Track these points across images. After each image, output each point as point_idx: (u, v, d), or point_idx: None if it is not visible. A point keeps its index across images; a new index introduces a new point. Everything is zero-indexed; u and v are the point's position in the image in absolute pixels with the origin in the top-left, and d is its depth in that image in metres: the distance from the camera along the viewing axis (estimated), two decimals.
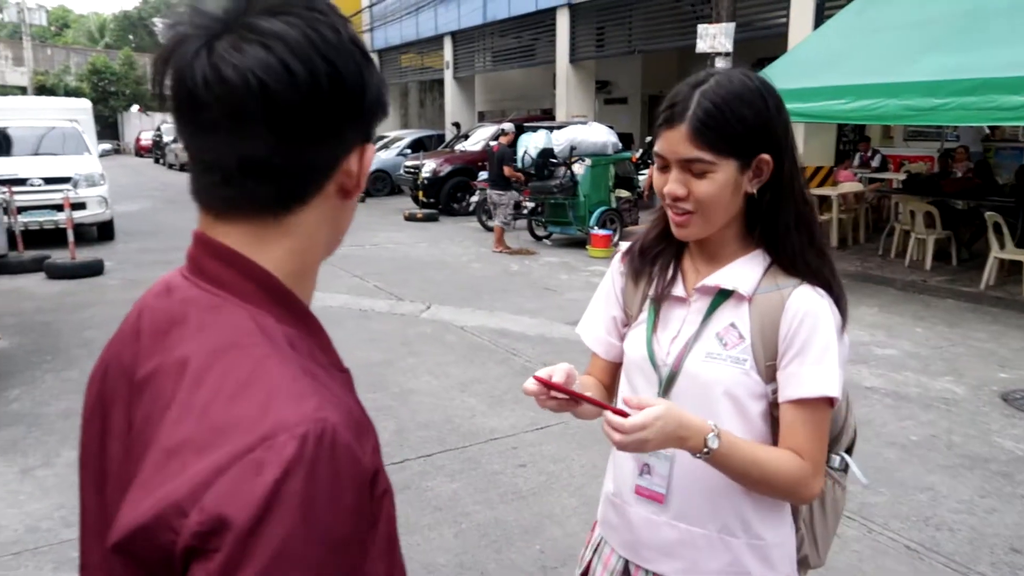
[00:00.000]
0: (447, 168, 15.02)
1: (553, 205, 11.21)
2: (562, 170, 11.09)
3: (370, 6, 23.57)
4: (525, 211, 11.56)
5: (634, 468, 1.35)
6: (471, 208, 13.82)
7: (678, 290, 1.33)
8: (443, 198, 14.93)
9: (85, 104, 14.09)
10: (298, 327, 0.75)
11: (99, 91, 41.48)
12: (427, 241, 11.84)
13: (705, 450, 1.15)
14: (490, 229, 12.67)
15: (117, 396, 0.76)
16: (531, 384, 1.22)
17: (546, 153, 11.23)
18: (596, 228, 10.56)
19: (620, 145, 11.97)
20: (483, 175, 13.68)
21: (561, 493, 3.71)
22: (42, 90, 37.83)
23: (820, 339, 1.19)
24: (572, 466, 3.98)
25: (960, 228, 9.08)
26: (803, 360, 1.20)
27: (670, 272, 1.35)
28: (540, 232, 11.78)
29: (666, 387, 1.30)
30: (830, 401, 1.20)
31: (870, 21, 8.36)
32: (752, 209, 1.26)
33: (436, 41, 20.98)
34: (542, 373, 1.23)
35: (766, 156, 1.21)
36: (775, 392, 1.24)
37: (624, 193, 11.76)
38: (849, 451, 1.41)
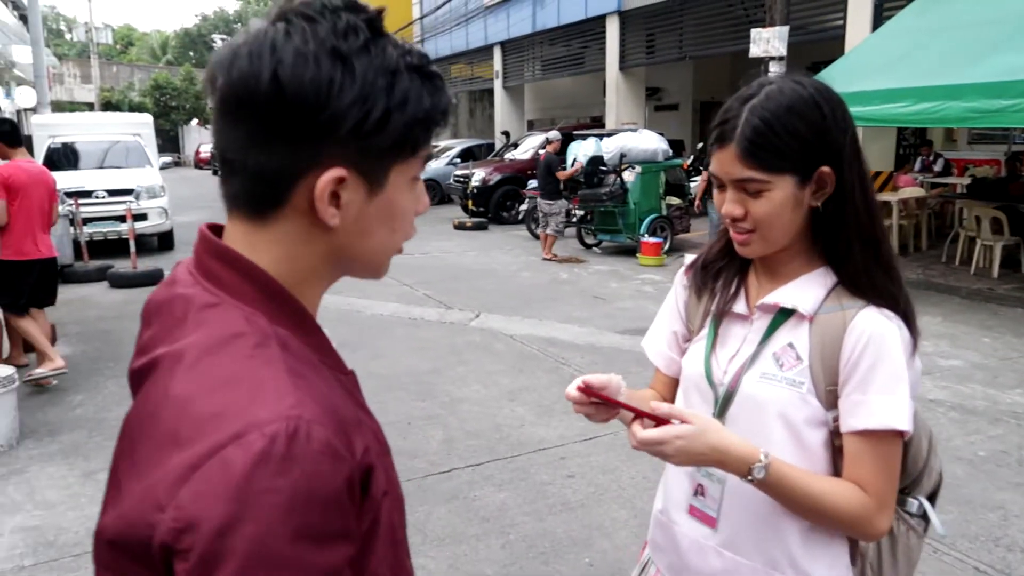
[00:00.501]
0: (496, 177, 15.07)
1: (603, 213, 11.13)
2: (612, 177, 11.01)
3: (420, 18, 23.87)
4: (574, 219, 11.51)
5: (688, 488, 1.30)
6: (520, 216, 13.83)
7: (740, 307, 1.28)
8: (492, 207, 14.98)
9: (147, 119, 14.56)
10: (293, 329, 0.75)
11: (161, 106, 42.88)
12: (476, 250, 11.87)
13: (749, 478, 1.10)
14: (539, 237, 12.67)
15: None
16: (573, 389, 1.18)
17: (596, 161, 11.17)
18: (646, 236, 10.44)
19: (671, 152, 11.84)
20: (532, 183, 13.69)
21: (611, 505, 3.65)
22: (108, 106, 39.29)
23: (888, 366, 1.11)
24: (621, 477, 3.91)
25: None
26: (868, 388, 1.11)
27: (732, 288, 1.30)
28: (589, 240, 11.71)
29: (722, 407, 1.24)
30: (900, 434, 1.12)
31: (932, 21, 8.10)
32: (818, 223, 1.19)
33: (486, 51, 21.11)
34: (590, 379, 1.20)
35: (827, 169, 1.14)
36: (835, 420, 1.16)
37: (675, 200, 11.63)
38: (932, 498, 1.29)
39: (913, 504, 1.27)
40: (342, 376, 0.79)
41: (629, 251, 10.97)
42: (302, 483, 0.61)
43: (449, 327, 7.09)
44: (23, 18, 23.54)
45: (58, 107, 30.66)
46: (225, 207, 0.77)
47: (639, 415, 1.13)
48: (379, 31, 0.73)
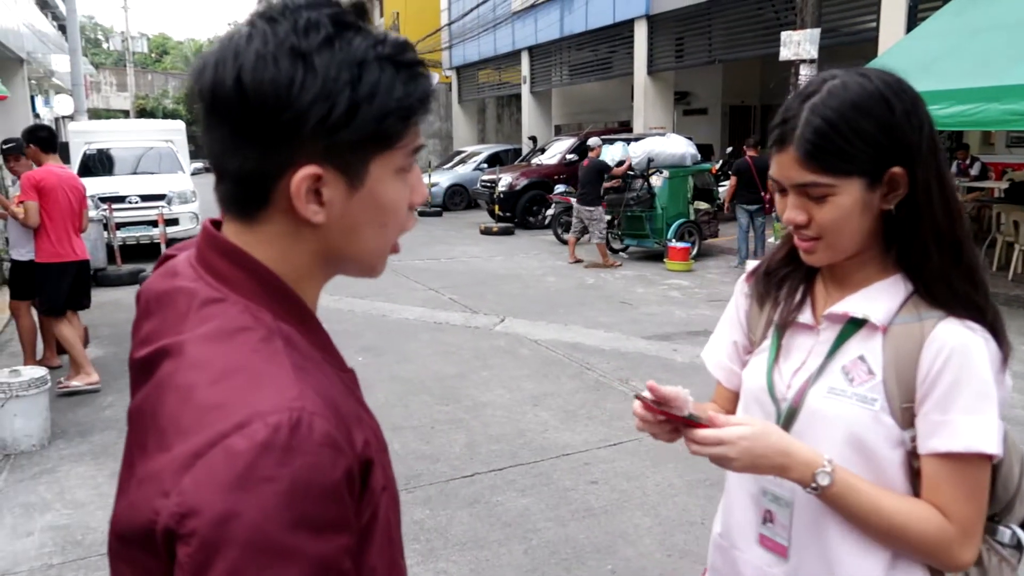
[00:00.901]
0: (523, 182, 15.07)
1: (630, 217, 11.07)
2: (639, 182, 10.94)
3: (448, 24, 23.99)
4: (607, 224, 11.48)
5: (755, 515, 1.21)
6: (547, 221, 13.81)
7: (806, 317, 1.18)
8: (519, 212, 14.98)
9: (179, 125, 14.78)
10: (296, 325, 0.75)
11: (194, 113, 43.43)
12: (502, 254, 11.87)
13: (814, 485, 1.04)
14: (565, 243, 12.63)
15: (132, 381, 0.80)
16: (638, 406, 1.13)
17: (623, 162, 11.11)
18: (674, 241, 10.36)
19: (699, 156, 11.74)
20: (559, 188, 13.65)
21: (634, 512, 3.60)
22: (142, 113, 40.09)
23: (973, 383, 1.01)
24: (646, 484, 3.86)
25: None
26: (950, 407, 1.02)
27: (798, 296, 1.21)
28: (616, 245, 11.65)
29: (785, 424, 1.15)
30: (987, 457, 1.02)
31: (970, 22, 7.94)
32: (891, 227, 1.10)
33: (513, 56, 21.15)
34: (649, 394, 1.14)
35: (898, 169, 1.05)
36: (913, 440, 1.06)
37: (703, 205, 11.52)
38: None
39: (1006, 533, 1.15)
40: (342, 373, 0.80)
41: (656, 256, 10.89)
42: (303, 473, 0.62)
43: (474, 331, 7.08)
44: (62, 28, 24.10)
45: (95, 114, 31.32)
46: (219, 210, 0.78)
47: (700, 428, 1.08)
48: (345, 24, 0.72)
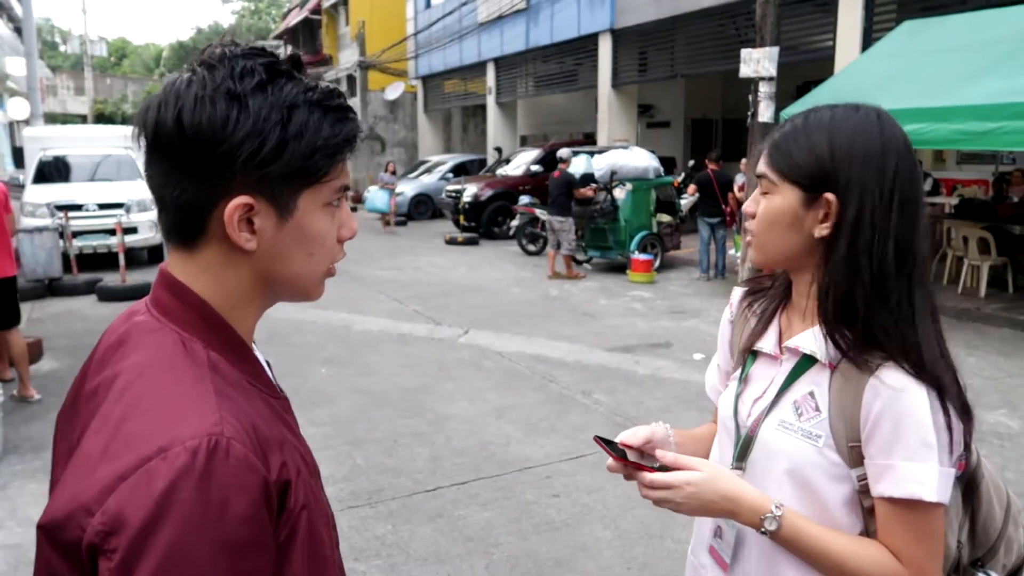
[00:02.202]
0: (488, 192, 15.11)
1: (593, 230, 11.16)
2: (602, 195, 11.06)
3: (414, 34, 23.99)
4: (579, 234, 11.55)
5: (710, 527, 1.25)
6: (511, 232, 13.85)
7: (770, 346, 1.20)
8: (484, 222, 15.01)
9: None
10: (227, 354, 0.82)
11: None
12: (467, 265, 11.88)
13: (762, 530, 1.06)
14: (530, 253, 12.68)
15: (72, 408, 0.86)
16: (611, 461, 1.15)
17: (587, 178, 11.21)
18: (637, 253, 10.48)
19: (662, 170, 11.90)
20: (524, 199, 13.71)
21: (595, 525, 3.64)
22: (101, 118, 39.31)
23: (912, 429, 1.01)
24: (607, 497, 3.91)
25: (1017, 254, 8.75)
26: (892, 452, 1.02)
27: (763, 321, 1.24)
28: (580, 256, 11.73)
29: (741, 452, 1.18)
30: (934, 505, 1.02)
31: (921, 44, 8.20)
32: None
33: (479, 67, 21.21)
34: (624, 436, 1.17)
35: (831, 196, 1.07)
36: (862, 479, 1.07)
37: (666, 218, 11.67)
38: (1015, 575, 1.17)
39: None
40: (273, 400, 0.86)
41: (619, 268, 11.00)
42: (219, 494, 0.68)
43: (438, 343, 7.09)
44: (18, 30, 23.59)
45: (51, 119, 30.64)
46: (164, 240, 0.86)
47: (649, 471, 1.10)
48: (278, 72, 0.80)
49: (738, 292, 1.35)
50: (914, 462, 1.01)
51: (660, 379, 5.91)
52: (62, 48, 60.42)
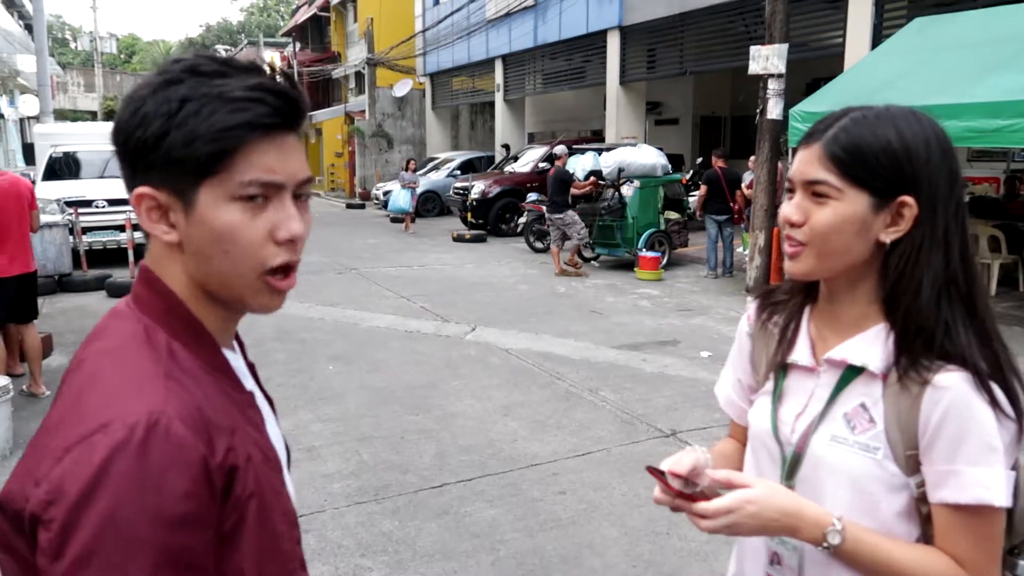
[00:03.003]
0: (496, 189, 15.11)
1: (601, 227, 11.15)
2: (610, 192, 11.04)
3: (422, 31, 24.00)
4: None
5: (764, 556, 1.20)
6: (519, 229, 13.85)
7: (805, 358, 1.16)
8: (491, 219, 15.02)
9: None
10: (189, 342, 0.84)
11: None
12: (474, 262, 11.89)
13: (825, 544, 1.03)
14: (537, 250, 12.67)
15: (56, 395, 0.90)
16: (658, 493, 1.11)
17: (594, 175, 11.20)
18: (644, 250, 10.46)
19: (670, 167, 11.87)
20: (532, 196, 13.70)
21: (601, 522, 3.64)
22: (110, 114, 39.31)
23: (975, 433, 1.00)
24: (613, 494, 3.90)
25: None
26: (955, 458, 1.00)
27: (790, 333, 1.19)
28: (587, 253, 11.73)
29: (790, 470, 1.14)
30: (999, 509, 1.01)
31: (931, 41, 8.15)
32: (890, 268, 1.08)
33: (487, 64, 21.21)
34: (666, 465, 1.11)
35: (908, 199, 1.03)
36: (920, 486, 1.05)
37: (673, 215, 11.65)
38: None
39: (1021, 566, 1.13)
40: (234, 392, 0.87)
41: (627, 265, 10.98)
42: (154, 469, 0.70)
43: (445, 340, 7.09)
44: (28, 27, 23.69)
45: (61, 116, 30.82)
46: None
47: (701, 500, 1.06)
48: (196, 72, 0.81)
49: (753, 304, 1.31)
50: (980, 467, 1.00)
51: (667, 377, 5.90)
52: (72, 45, 60.73)
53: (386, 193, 18.79)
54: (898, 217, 1.05)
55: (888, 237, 1.06)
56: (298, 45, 36.99)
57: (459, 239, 14.35)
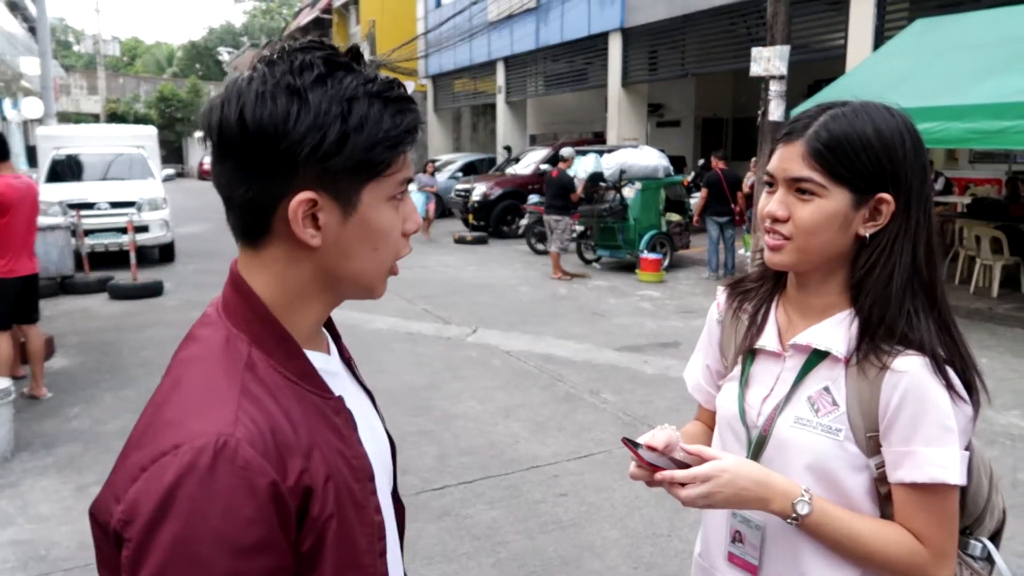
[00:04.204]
0: (497, 191, 15.12)
1: (603, 228, 11.15)
2: (611, 193, 11.04)
3: (424, 33, 24.02)
4: (575, 234, 11.52)
5: (726, 534, 1.25)
6: (521, 231, 13.86)
7: (772, 343, 1.21)
8: (493, 221, 15.03)
9: (151, 131, 14.64)
10: (272, 351, 0.82)
11: (166, 117, 43.12)
12: (476, 264, 11.89)
13: (794, 515, 1.07)
14: (539, 252, 12.67)
15: None
16: (633, 468, 1.14)
17: (596, 177, 11.20)
18: (646, 252, 10.46)
19: (671, 169, 11.87)
20: (533, 198, 13.71)
21: (602, 524, 3.64)
22: (113, 117, 39.56)
23: (932, 415, 1.05)
24: (614, 496, 3.90)
25: None
26: (912, 439, 1.05)
27: (759, 319, 1.24)
28: (589, 255, 11.72)
29: (755, 451, 1.19)
30: (955, 487, 1.07)
31: (933, 42, 8.15)
32: (861, 259, 1.13)
33: (489, 66, 21.22)
34: (645, 440, 1.15)
35: (887, 196, 1.09)
36: (880, 467, 1.10)
37: (675, 217, 11.65)
38: (995, 538, 1.22)
39: (976, 547, 1.19)
40: (320, 400, 0.84)
41: (628, 267, 10.98)
42: (221, 494, 0.70)
43: (446, 342, 7.09)
44: (31, 30, 23.76)
45: (64, 118, 30.87)
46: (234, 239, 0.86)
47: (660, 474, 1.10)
48: (336, 65, 0.80)
49: (724, 292, 1.35)
50: (935, 447, 1.04)
51: (669, 379, 5.89)
52: (75, 48, 60.84)
53: None
54: (876, 212, 1.10)
55: (867, 231, 1.11)
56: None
57: (461, 241, 14.36)
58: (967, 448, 1.10)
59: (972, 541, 1.19)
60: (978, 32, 7.75)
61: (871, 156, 1.07)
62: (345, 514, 0.80)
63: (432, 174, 15.74)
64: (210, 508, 0.69)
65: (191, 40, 66.43)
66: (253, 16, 65.08)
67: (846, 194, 1.08)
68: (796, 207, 1.10)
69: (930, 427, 1.04)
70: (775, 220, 1.12)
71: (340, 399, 0.87)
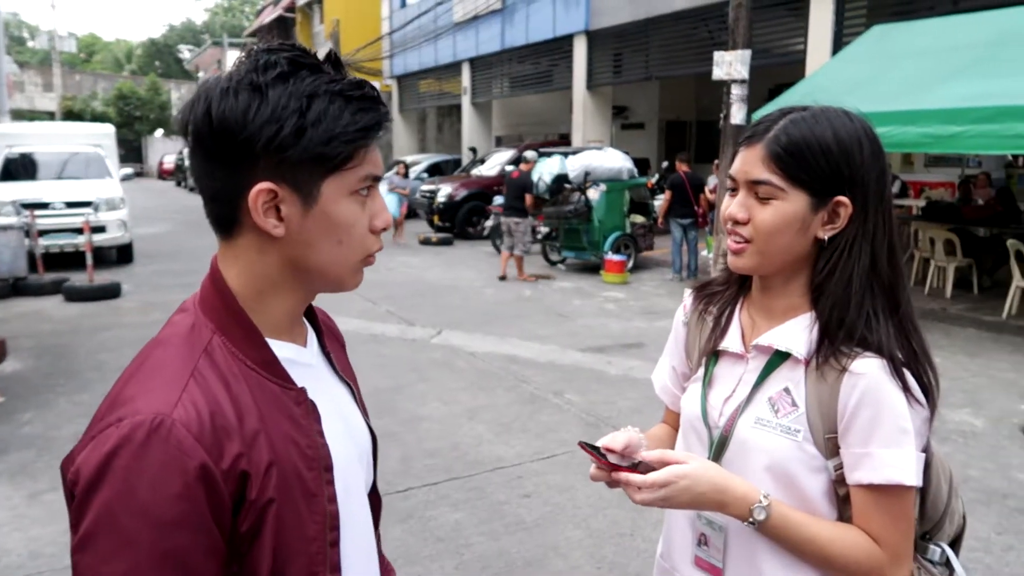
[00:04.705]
0: (463, 192, 15.09)
1: (567, 230, 11.20)
2: (576, 195, 11.09)
3: (389, 33, 23.90)
4: (539, 235, 11.54)
5: (691, 538, 1.25)
6: (486, 232, 13.84)
7: (735, 345, 1.22)
8: (458, 222, 14.99)
9: (108, 129, 14.35)
10: (237, 340, 0.86)
11: (124, 116, 42.26)
12: (441, 265, 11.86)
13: (751, 520, 1.07)
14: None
15: None
16: (594, 470, 1.13)
17: (560, 179, 11.23)
18: (610, 253, 10.52)
19: (635, 171, 11.96)
20: (498, 199, 13.70)
21: (566, 525, 3.65)
22: (69, 115, 38.63)
23: (889, 418, 1.06)
24: (577, 496, 3.92)
25: (982, 256, 8.93)
26: (869, 441, 1.06)
27: (723, 321, 1.25)
28: (554, 257, 11.76)
29: (717, 452, 1.19)
30: (911, 488, 1.08)
31: (889, 48, 8.33)
32: (822, 261, 1.14)
33: (454, 67, 21.19)
34: (605, 442, 1.14)
35: (844, 199, 1.10)
36: (838, 468, 1.11)
37: (639, 219, 11.74)
38: (955, 544, 1.23)
39: (936, 552, 1.20)
40: (280, 390, 0.88)
41: (593, 268, 11.04)
42: (150, 469, 0.75)
43: (411, 344, 7.06)
44: None
45: (18, 115, 30.09)
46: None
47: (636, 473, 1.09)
48: (300, 64, 0.84)
49: (690, 294, 1.36)
50: (891, 448, 1.06)
51: (632, 379, 5.93)
52: (30, 44, 59.36)
53: None
54: (834, 215, 1.12)
55: (825, 234, 1.12)
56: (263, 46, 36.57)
57: (426, 242, 14.30)
58: (925, 451, 1.11)
59: (931, 546, 1.20)
60: (933, 39, 7.95)
61: (829, 160, 1.09)
62: (290, 500, 0.83)
63: (404, 175, 15.18)
64: (139, 480, 0.74)
65: (151, 37, 65.24)
66: (215, 14, 64.14)
67: (804, 197, 1.10)
68: (756, 209, 1.12)
69: (887, 429, 1.06)
70: (736, 222, 1.14)
71: (302, 390, 0.89)
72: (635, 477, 1.08)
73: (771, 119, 1.14)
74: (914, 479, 1.06)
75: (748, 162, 1.13)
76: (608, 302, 9.08)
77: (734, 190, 1.16)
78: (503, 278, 10.43)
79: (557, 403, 5.40)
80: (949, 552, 1.21)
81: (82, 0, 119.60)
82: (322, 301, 1.19)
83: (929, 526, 1.20)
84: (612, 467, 1.11)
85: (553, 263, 11.73)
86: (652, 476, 1.07)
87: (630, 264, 10.76)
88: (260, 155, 0.81)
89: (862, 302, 1.10)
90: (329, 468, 0.89)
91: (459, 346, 6.94)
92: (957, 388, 5.73)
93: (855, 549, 1.08)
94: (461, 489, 4.02)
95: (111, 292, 9.01)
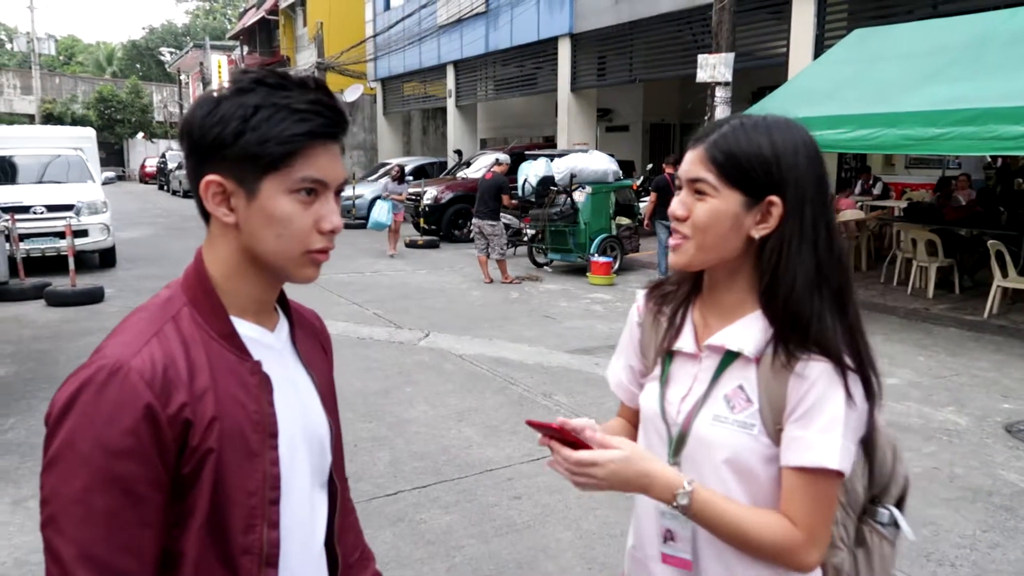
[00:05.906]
0: (448, 195, 15.08)
1: (553, 232, 11.22)
2: (562, 197, 11.11)
3: (373, 36, 23.85)
4: (526, 237, 11.55)
5: (658, 534, 1.27)
6: (472, 235, 13.83)
7: (688, 345, 1.26)
8: (444, 225, 14.98)
9: (89, 132, 14.23)
10: (205, 314, 1.00)
11: (105, 119, 41.88)
12: (427, 268, 11.84)
13: (674, 505, 1.11)
14: (490, 256, 12.66)
15: None
16: (543, 439, 1.16)
17: (546, 181, 11.26)
18: (596, 255, 10.55)
19: (621, 173, 12.01)
20: None
21: (556, 526, 3.66)
22: (49, 118, 38.25)
23: (828, 408, 1.11)
24: (568, 498, 3.92)
25: (963, 256, 9.04)
26: (808, 425, 1.12)
27: (677, 321, 1.29)
28: (540, 259, 11.78)
29: (676, 447, 1.23)
30: (835, 473, 1.12)
31: (870, 51, 8.42)
32: (763, 261, 1.19)
33: (439, 70, 21.18)
34: (561, 421, 1.17)
35: (775, 199, 1.14)
36: None
37: (625, 220, 11.78)
38: (900, 504, 1.31)
39: (884, 514, 1.28)
40: (236, 360, 0.99)
41: (579, 270, 11.06)
42: (106, 406, 0.89)
43: (398, 347, 7.05)
44: None
45: None
46: None
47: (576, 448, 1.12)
48: (262, 83, 0.97)
49: (643, 295, 1.41)
50: (822, 434, 1.11)
51: None
52: (8, 46, 58.68)
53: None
54: (767, 215, 1.16)
55: (757, 233, 1.17)
56: (245, 49, 36.40)
57: (412, 245, 14.26)
58: (866, 438, 1.17)
59: (880, 509, 1.28)
60: (913, 42, 8.05)
61: (761, 163, 1.14)
62: (230, 453, 0.95)
63: (399, 179, 13.76)
64: (96, 414, 0.88)
65: (132, 40, 64.70)
66: (196, 16, 63.74)
67: (737, 196, 1.15)
68: (694, 207, 1.17)
69: (821, 419, 1.11)
70: (676, 219, 1.20)
71: (257, 363, 1.01)
72: (571, 454, 1.11)
73: (717, 124, 1.20)
74: (838, 464, 1.10)
75: (691, 162, 1.19)
76: (595, 304, 9.10)
77: (681, 188, 1.22)
78: (490, 282, 10.42)
79: (546, 405, 5.41)
80: (896, 513, 1.29)
81: (61, 1, 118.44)
82: (303, 304, 1.25)
83: (877, 490, 1.27)
84: (554, 438, 1.14)
85: (540, 265, 11.75)
86: (581, 454, 1.11)
87: (616, 266, 10.80)
88: (208, 153, 0.96)
89: (809, 302, 1.14)
90: (275, 435, 1.00)
91: (447, 349, 6.93)
92: (940, 387, 5.80)
93: (771, 529, 1.12)
94: (451, 492, 4.01)
95: (94, 297, 8.92)
